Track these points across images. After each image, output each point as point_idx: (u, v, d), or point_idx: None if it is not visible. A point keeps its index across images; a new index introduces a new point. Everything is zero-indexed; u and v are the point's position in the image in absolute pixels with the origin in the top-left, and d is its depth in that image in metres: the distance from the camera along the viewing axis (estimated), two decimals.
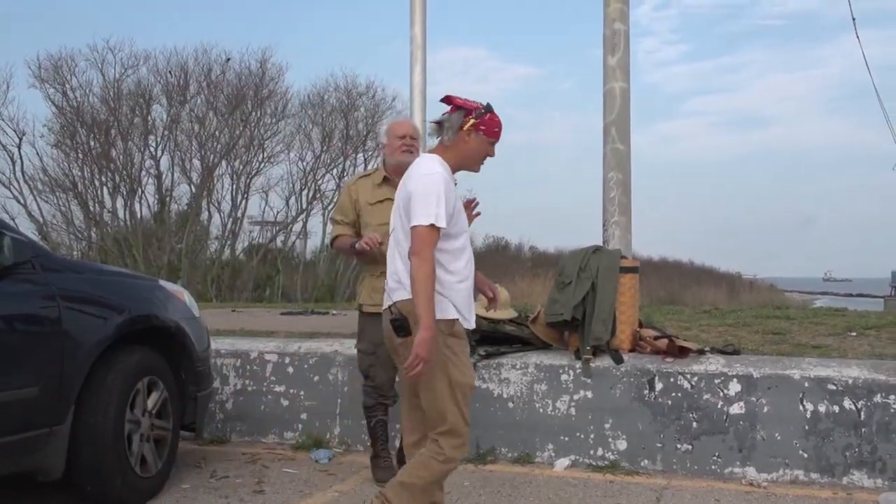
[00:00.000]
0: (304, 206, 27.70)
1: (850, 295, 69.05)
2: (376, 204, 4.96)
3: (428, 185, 3.44)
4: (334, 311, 10.67)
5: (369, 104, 28.15)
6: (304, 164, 27.58)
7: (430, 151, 3.69)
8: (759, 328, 7.45)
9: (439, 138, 3.63)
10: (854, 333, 7.09)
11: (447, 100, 3.62)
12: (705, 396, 5.03)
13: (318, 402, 5.86)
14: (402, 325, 3.49)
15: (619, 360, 5.26)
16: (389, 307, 3.60)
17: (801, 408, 4.86)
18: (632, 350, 5.42)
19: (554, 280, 5.54)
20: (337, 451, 5.69)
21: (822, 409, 4.82)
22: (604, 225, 6.20)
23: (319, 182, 27.72)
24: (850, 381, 4.80)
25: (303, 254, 29.67)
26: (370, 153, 27.82)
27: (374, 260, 4.88)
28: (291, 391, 5.93)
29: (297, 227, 28.49)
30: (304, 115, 27.80)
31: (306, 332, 7.10)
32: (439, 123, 3.62)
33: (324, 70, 65.14)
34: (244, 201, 27.08)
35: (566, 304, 5.31)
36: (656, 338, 5.41)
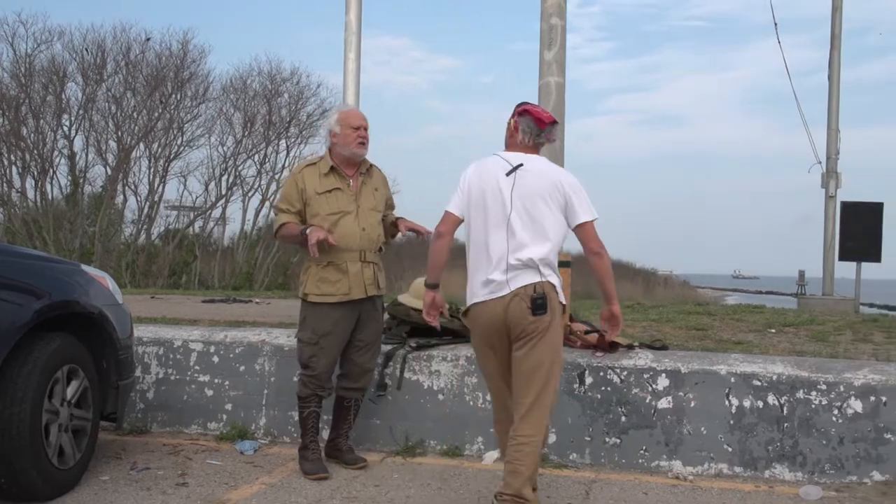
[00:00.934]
0: (224, 192, 27.19)
1: (760, 292, 71.28)
2: (325, 193, 4.86)
3: (580, 185, 4.03)
4: (257, 300, 10.50)
5: (293, 90, 27.78)
6: (225, 149, 27.09)
7: (530, 152, 4.10)
8: (683, 324, 7.60)
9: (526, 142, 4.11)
10: (773, 330, 7.29)
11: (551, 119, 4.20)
12: (634, 391, 5.08)
13: (244, 392, 5.74)
14: (543, 303, 3.88)
15: None
16: (533, 286, 3.91)
17: (726, 403, 4.95)
18: (562, 344, 5.43)
19: None
20: (263, 442, 5.58)
21: (746, 404, 4.92)
22: None
23: (240, 168, 27.24)
24: (775, 377, 4.90)
25: (221, 240, 29.16)
26: (293, 140, 27.50)
27: (322, 249, 4.77)
28: (216, 381, 5.79)
29: (217, 212, 27.97)
30: (226, 99, 27.29)
31: (231, 321, 6.96)
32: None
33: (247, 54, 64.03)
34: (162, 185, 26.49)
35: None
36: (587, 332, 5.45)
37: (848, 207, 13.33)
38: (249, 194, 27.28)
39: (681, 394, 5.02)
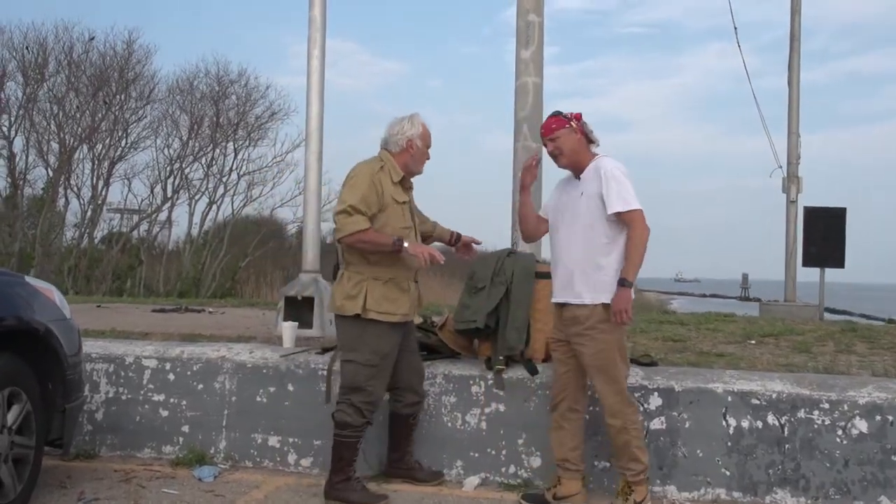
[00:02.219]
0: (170, 195, 26.44)
1: (704, 295, 72.21)
2: (401, 204, 4.54)
3: None
4: (210, 309, 9.99)
5: (241, 92, 27.10)
6: (171, 151, 26.33)
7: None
8: (657, 335, 7.33)
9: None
10: (753, 341, 7.06)
11: None
12: None
13: (202, 412, 5.31)
14: None
15: (533, 371, 4.94)
16: None
17: (723, 423, 4.66)
18: (545, 360, 5.11)
19: (465, 285, 5.17)
20: (223, 467, 5.16)
21: (745, 424, 4.63)
22: (513, 226, 5.91)
23: (187, 170, 26.51)
24: (774, 396, 4.63)
25: (166, 244, 28.36)
26: (241, 142, 26.82)
27: (390, 265, 4.47)
28: (172, 400, 5.36)
29: (162, 216, 27.20)
30: (172, 100, 26.51)
31: (186, 334, 6.50)
32: None
33: (194, 55, 62.59)
34: (105, 188, 25.64)
35: (479, 311, 4.95)
36: None
37: (811, 213, 13.22)
38: (196, 197, 26.60)
39: (674, 414, 4.72)
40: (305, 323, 6.19)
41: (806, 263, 13.23)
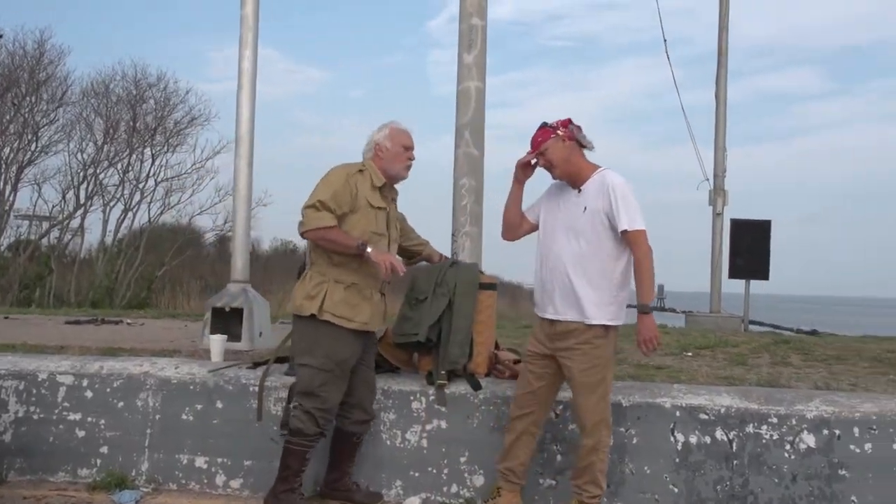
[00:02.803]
0: (83, 201, 25.56)
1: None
2: (377, 209, 4.36)
3: None
4: (129, 321, 9.54)
5: (159, 96, 26.39)
6: (85, 156, 25.45)
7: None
8: None
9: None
10: (690, 354, 7.01)
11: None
12: (570, 427, 4.61)
13: (123, 432, 4.98)
14: None
15: (476, 386, 4.75)
16: None
17: (672, 439, 4.54)
18: (488, 374, 4.94)
19: (405, 296, 4.95)
20: (145, 490, 4.84)
21: (693, 440, 4.52)
22: (453, 235, 5.73)
23: (101, 176, 25.66)
24: (723, 411, 4.53)
25: (78, 252, 27.39)
26: (159, 148, 26.11)
27: (354, 270, 4.32)
28: (89, 420, 5.01)
29: (75, 222, 26.27)
30: (87, 103, 25.64)
31: (105, 348, 6.12)
32: None
33: (110, 58, 60.64)
34: (13, 193, 24.64)
35: (420, 324, 4.74)
36: (515, 361, 4.94)
37: (738, 225, 13.36)
38: (111, 204, 25.77)
39: (622, 429, 4.58)
40: (234, 336, 5.90)
41: (732, 275, 13.37)
